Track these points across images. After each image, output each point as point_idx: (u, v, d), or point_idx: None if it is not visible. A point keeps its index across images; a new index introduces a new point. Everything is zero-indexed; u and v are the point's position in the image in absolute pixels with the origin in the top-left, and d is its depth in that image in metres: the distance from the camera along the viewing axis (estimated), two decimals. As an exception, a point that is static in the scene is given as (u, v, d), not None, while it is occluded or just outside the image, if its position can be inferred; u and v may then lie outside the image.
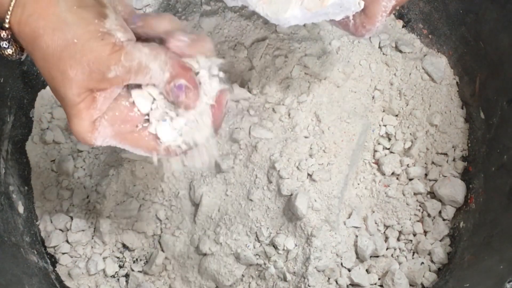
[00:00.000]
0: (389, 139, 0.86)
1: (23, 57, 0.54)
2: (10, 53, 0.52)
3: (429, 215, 0.81)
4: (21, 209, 0.81)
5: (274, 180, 0.76)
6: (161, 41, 0.55)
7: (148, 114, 0.54)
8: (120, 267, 0.83)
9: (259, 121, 0.79)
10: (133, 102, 0.54)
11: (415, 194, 0.82)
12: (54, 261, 0.83)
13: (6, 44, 0.51)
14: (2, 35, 0.51)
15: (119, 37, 0.50)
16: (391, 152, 0.85)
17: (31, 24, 0.49)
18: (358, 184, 0.82)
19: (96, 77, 0.50)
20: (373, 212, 0.82)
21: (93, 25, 0.49)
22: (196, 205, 0.80)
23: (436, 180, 0.83)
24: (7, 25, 0.50)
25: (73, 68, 0.49)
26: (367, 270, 0.79)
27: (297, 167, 0.76)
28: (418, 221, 0.82)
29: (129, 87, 0.54)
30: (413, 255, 0.80)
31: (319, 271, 0.76)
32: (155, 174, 0.82)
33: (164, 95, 0.53)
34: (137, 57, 0.50)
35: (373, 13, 0.60)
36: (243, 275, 0.78)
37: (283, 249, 0.76)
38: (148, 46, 0.51)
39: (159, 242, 0.82)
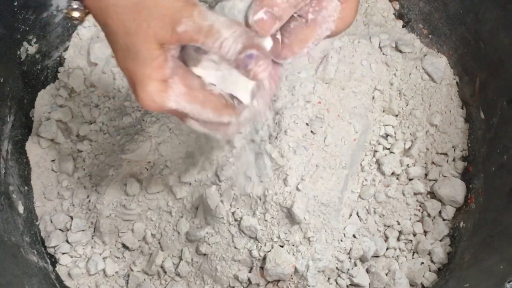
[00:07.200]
0: (389, 139, 0.86)
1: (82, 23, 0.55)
2: (77, 16, 0.53)
3: (429, 215, 0.81)
4: (21, 209, 0.81)
5: (274, 180, 0.76)
6: None
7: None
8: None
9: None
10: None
11: (415, 194, 0.82)
12: (54, 261, 0.83)
13: (77, 5, 0.52)
14: None
15: None
16: (391, 152, 0.85)
17: None
18: (358, 184, 0.82)
19: (167, 30, 0.50)
20: (373, 212, 0.81)
21: None
22: (195, 207, 0.80)
23: (436, 180, 0.83)
24: None
25: (147, 20, 0.49)
26: (367, 270, 0.79)
27: (297, 168, 0.76)
28: (418, 221, 0.82)
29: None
30: (413, 255, 0.80)
31: (319, 271, 0.76)
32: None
33: (230, 65, 0.52)
34: (210, 19, 0.50)
35: (306, 38, 0.56)
36: (243, 276, 0.78)
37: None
38: (225, 17, 0.51)
39: (159, 242, 0.82)
